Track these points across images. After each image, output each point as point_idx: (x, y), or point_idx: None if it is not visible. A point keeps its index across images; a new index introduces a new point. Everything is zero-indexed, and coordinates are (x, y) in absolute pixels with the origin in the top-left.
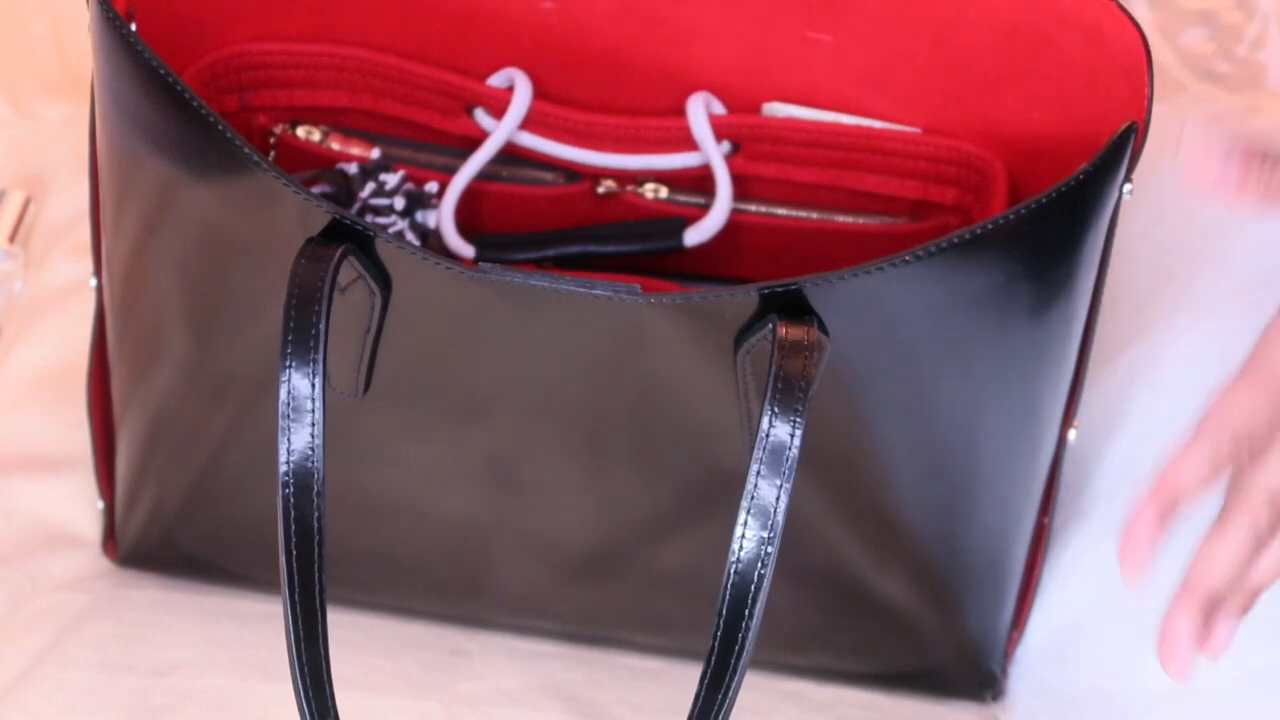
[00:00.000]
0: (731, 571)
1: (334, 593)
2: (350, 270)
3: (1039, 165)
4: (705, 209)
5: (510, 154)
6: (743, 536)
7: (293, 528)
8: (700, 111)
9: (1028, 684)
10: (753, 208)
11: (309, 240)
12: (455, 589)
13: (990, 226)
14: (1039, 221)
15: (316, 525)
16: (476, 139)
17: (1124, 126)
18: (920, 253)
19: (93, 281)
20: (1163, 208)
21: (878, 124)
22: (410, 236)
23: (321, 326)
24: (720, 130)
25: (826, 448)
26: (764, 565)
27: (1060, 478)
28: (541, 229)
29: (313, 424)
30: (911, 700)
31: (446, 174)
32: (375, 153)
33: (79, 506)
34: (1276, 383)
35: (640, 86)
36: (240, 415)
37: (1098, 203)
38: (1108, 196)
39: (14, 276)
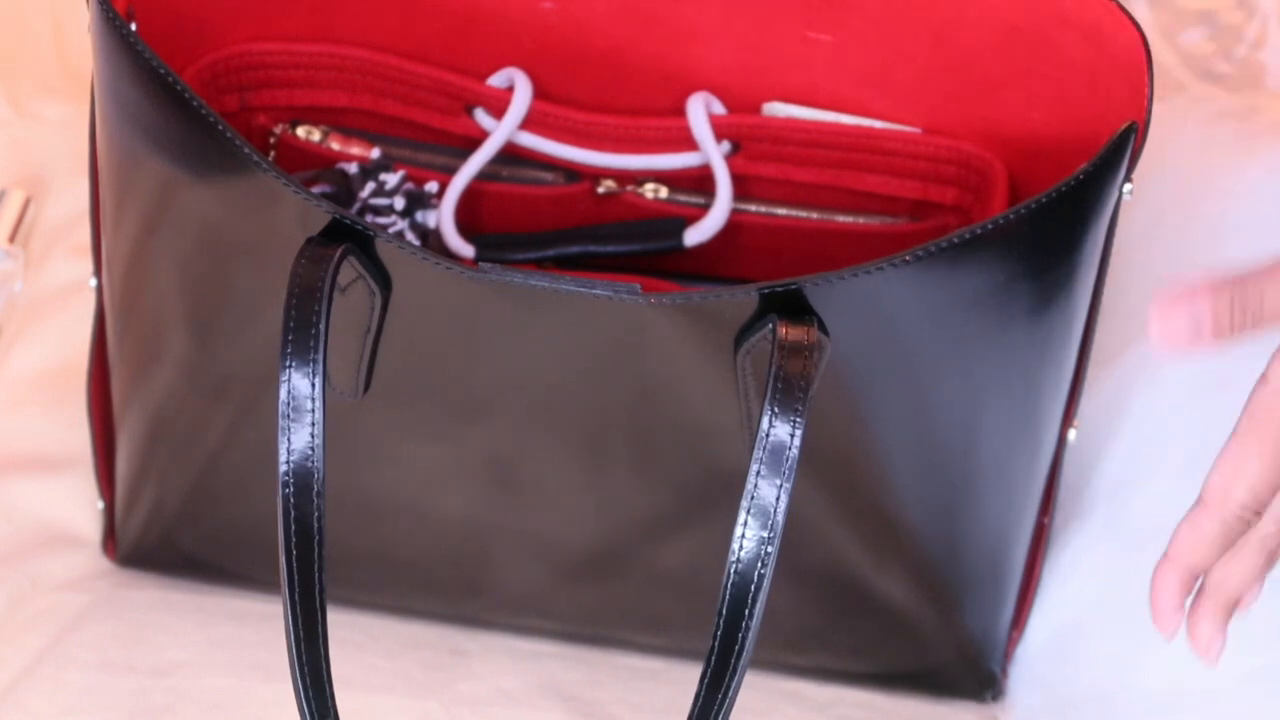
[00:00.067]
0: (731, 571)
1: (334, 593)
2: (350, 270)
3: (1039, 165)
4: (705, 209)
5: (510, 154)
6: (743, 536)
7: (293, 528)
8: (700, 111)
9: (1028, 684)
10: (753, 208)
11: (309, 240)
12: (455, 589)
13: (990, 226)
14: (1039, 221)
15: (316, 525)
16: (476, 139)
17: (1124, 126)
18: (920, 253)
19: (93, 281)
20: (1163, 208)
21: (878, 124)
22: (410, 236)
23: (321, 326)
24: (720, 130)
25: (826, 448)
26: (764, 565)
27: (1060, 478)
28: (541, 229)
29: (313, 424)
30: (911, 700)
31: (446, 174)
32: (375, 153)
33: (79, 506)
34: (1274, 439)
35: (640, 86)
36: (240, 415)
37: (1098, 203)
38: (1108, 196)
39: (14, 276)
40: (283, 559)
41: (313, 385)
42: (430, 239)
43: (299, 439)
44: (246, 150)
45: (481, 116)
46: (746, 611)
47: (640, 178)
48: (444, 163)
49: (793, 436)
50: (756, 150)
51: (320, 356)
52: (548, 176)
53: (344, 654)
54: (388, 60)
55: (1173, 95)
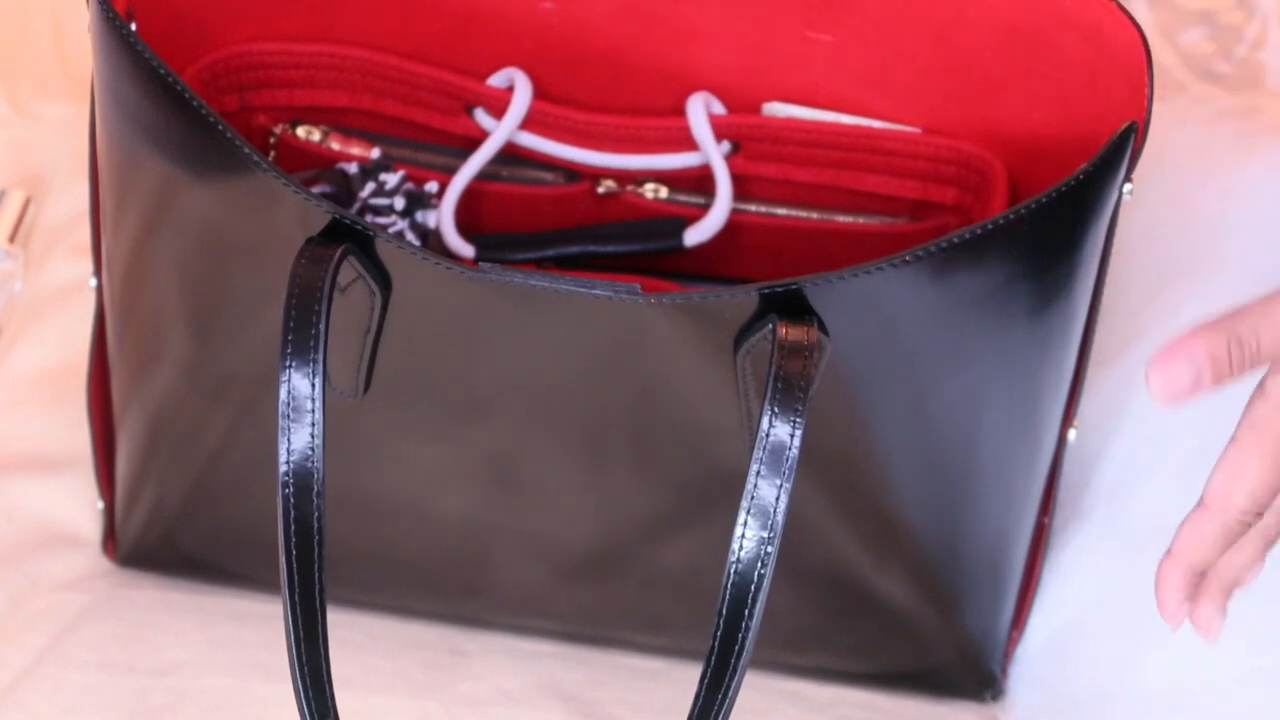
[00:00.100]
0: (731, 571)
1: (334, 593)
2: (350, 270)
3: (1039, 165)
4: (705, 209)
5: (510, 154)
6: (743, 536)
7: (293, 528)
8: (700, 111)
9: (1028, 684)
10: (753, 208)
11: (309, 240)
12: (455, 589)
13: (990, 226)
14: (1039, 221)
15: (316, 525)
16: (476, 139)
17: (1124, 126)
18: (920, 253)
19: (93, 281)
20: (1163, 208)
21: (878, 124)
22: (410, 236)
23: (321, 326)
24: (720, 130)
25: (826, 448)
26: (764, 565)
27: (1060, 478)
28: (541, 229)
29: (313, 424)
30: (911, 700)
31: (446, 174)
32: (375, 153)
33: (79, 506)
34: (1272, 447)
35: (640, 86)
36: (240, 415)
37: (1098, 203)
38: (1108, 196)
39: (14, 276)
40: (283, 559)
41: (313, 385)
42: (430, 239)
43: (299, 439)
44: (246, 150)
45: (481, 116)
46: (746, 611)
47: (640, 178)
48: (444, 163)
49: (793, 436)
50: (756, 150)
51: (320, 356)
52: (548, 176)
53: (344, 654)
54: (388, 60)
55: (1173, 95)
